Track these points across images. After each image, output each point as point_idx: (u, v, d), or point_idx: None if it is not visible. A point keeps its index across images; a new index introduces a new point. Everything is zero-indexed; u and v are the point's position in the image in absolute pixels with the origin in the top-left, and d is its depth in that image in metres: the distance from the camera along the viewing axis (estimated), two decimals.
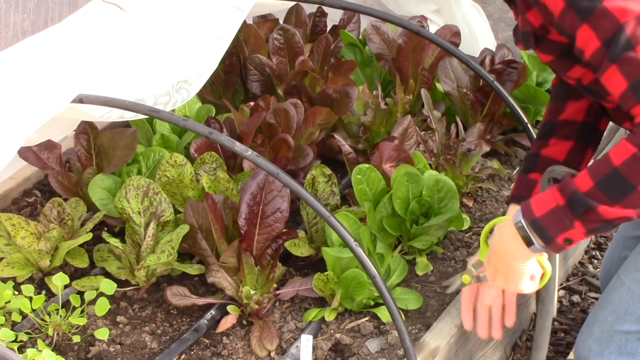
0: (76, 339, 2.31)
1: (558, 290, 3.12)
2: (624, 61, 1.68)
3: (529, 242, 1.90)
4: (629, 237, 2.47)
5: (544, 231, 1.86)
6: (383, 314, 2.39)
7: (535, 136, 2.55)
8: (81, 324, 2.32)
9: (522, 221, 1.88)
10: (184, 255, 2.58)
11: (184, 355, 2.31)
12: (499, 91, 2.70)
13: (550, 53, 1.93)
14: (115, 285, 2.39)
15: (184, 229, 2.42)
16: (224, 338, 2.37)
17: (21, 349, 2.26)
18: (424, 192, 2.59)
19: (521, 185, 2.20)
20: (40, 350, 2.09)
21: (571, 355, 2.76)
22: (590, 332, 2.28)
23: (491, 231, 2.09)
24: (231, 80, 3.18)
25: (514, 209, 2.13)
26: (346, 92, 2.91)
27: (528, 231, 1.87)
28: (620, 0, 1.67)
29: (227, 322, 2.39)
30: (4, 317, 2.33)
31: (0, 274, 2.47)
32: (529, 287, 2.03)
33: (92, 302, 2.37)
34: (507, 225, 1.94)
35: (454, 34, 3.21)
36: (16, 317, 2.36)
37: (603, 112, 2.13)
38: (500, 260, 2.00)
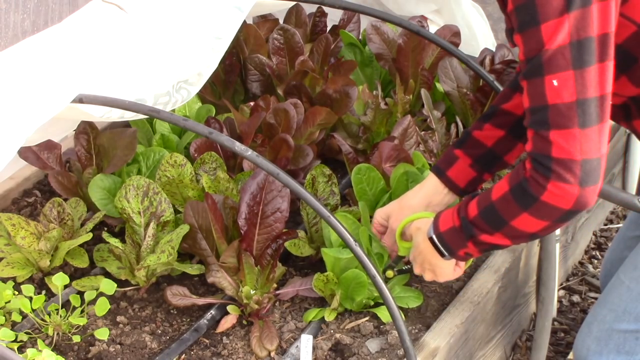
0: (76, 339, 2.31)
1: (558, 290, 3.13)
2: (532, 84, 1.74)
3: (440, 253, 2.06)
4: (629, 237, 2.47)
5: (446, 245, 2.03)
6: (383, 314, 2.40)
7: None
8: (81, 324, 2.32)
9: (432, 234, 2.05)
10: (184, 255, 2.58)
11: (184, 355, 2.31)
12: (498, 91, 2.69)
13: None
14: (115, 285, 2.39)
15: (184, 229, 2.42)
16: (224, 338, 2.37)
17: (21, 349, 2.26)
18: None
19: (444, 157, 2.27)
20: (40, 350, 2.09)
21: (571, 355, 2.76)
22: (589, 331, 2.28)
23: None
24: (231, 80, 3.18)
25: (432, 179, 2.26)
26: (346, 92, 2.91)
27: (437, 242, 2.05)
28: (554, 27, 1.69)
29: (227, 322, 2.39)
30: (4, 317, 2.33)
31: (0, 274, 2.47)
32: (457, 274, 2.18)
33: (92, 302, 2.37)
34: (422, 234, 2.10)
35: (454, 34, 3.21)
36: (16, 317, 2.36)
37: None
38: (425, 260, 2.13)
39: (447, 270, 2.14)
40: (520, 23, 1.74)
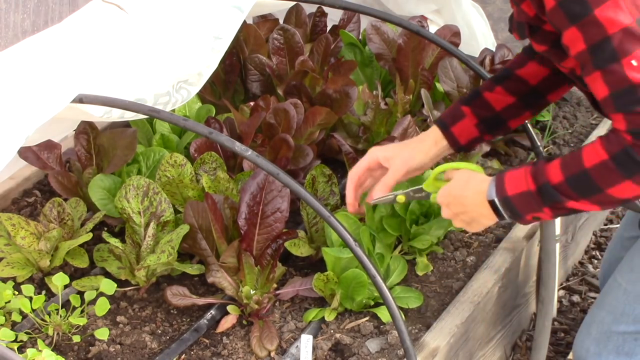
0: (76, 339, 2.31)
1: (558, 290, 3.13)
2: (607, 71, 1.72)
3: (499, 215, 1.98)
4: (626, 237, 2.48)
5: (514, 209, 1.94)
6: (383, 314, 2.40)
7: (534, 136, 2.55)
8: (81, 324, 2.32)
9: (495, 197, 1.96)
10: (184, 255, 2.58)
11: (184, 355, 2.31)
12: None
13: (544, 43, 1.96)
14: (115, 285, 2.39)
15: (184, 229, 2.42)
16: (224, 338, 2.37)
17: (21, 349, 2.26)
18: None
19: (450, 112, 2.26)
20: (40, 350, 2.09)
21: (571, 355, 2.76)
22: (588, 333, 2.28)
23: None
24: (231, 80, 3.18)
25: (435, 132, 2.24)
26: (346, 92, 2.91)
27: (499, 206, 1.96)
28: (610, 11, 1.69)
29: (227, 322, 2.39)
30: (4, 317, 2.33)
31: (0, 274, 2.47)
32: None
33: (92, 302, 2.37)
34: (475, 191, 2.01)
35: (454, 34, 3.21)
36: (16, 317, 2.36)
37: (594, 107, 2.14)
38: (466, 213, 2.06)
39: (485, 225, 2.07)
40: (570, 15, 1.73)
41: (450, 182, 2.09)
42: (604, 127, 3.40)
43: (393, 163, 2.22)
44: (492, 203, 1.97)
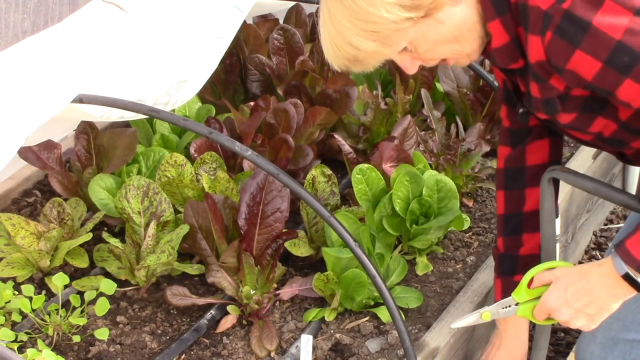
0: (76, 339, 2.31)
1: None
2: None
3: (638, 286, 1.84)
4: None
5: None
6: (383, 314, 2.39)
7: None
8: (81, 324, 2.32)
9: (628, 270, 1.82)
10: (184, 255, 2.57)
11: (184, 355, 2.31)
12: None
13: (574, 110, 1.88)
14: (115, 285, 2.39)
15: (184, 229, 2.42)
16: (224, 338, 2.37)
17: (21, 349, 2.26)
18: (424, 192, 2.59)
19: (506, 287, 2.17)
20: (40, 350, 2.09)
21: (571, 356, 2.75)
22: (593, 337, 2.26)
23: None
24: (231, 80, 3.18)
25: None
26: (346, 92, 2.91)
27: (635, 277, 1.82)
28: None
29: (227, 322, 2.39)
30: (4, 317, 2.33)
31: (0, 274, 2.47)
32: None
33: (92, 302, 2.37)
34: (598, 274, 1.87)
35: None
36: (16, 317, 2.36)
37: (621, 159, 2.11)
38: (593, 302, 1.90)
39: (613, 309, 1.91)
40: (622, 69, 1.67)
41: (559, 281, 1.93)
42: None
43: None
44: (626, 277, 1.82)
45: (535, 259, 2.13)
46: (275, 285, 2.44)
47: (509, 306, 2.02)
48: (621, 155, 2.06)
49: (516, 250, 2.18)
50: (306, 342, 2.22)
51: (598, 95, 1.80)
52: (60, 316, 2.33)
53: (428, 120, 2.94)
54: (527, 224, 2.17)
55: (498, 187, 2.23)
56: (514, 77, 1.95)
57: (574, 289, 1.89)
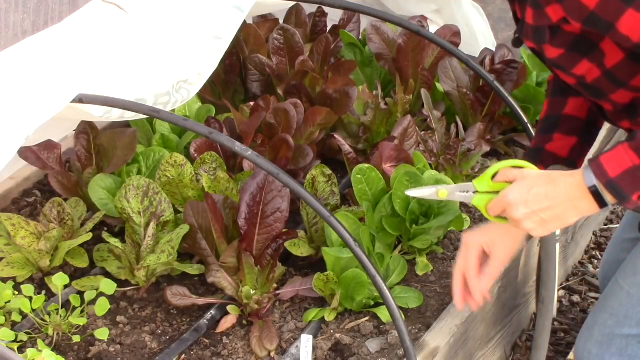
0: (76, 339, 2.31)
1: (558, 290, 3.13)
2: None
3: (602, 203, 1.85)
4: (625, 239, 2.47)
5: (620, 190, 1.81)
6: (383, 313, 2.40)
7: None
8: (81, 324, 2.32)
9: (595, 182, 1.83)
10: (184, 255, 2.58)
11: (184, 355, 2.31)
12: (499, 91, 2.70)
13: (562, 46, 1.90)
14: (115, 285, 2.39)
15: (184, 229, 2.42)
16: (224, 338, 2.37)
17: (21, 349, 2.26)
18: None
19: None
20: (40, 350, 2.09)
21: (571, 356, 2.76)
22: (590, 335, 2.27)
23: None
24: (231, 80, 3.18)
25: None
26: (346, 92, 2.91)
27: (602, 191, 1.83)
28: None
29: (227, 322, 2.39)
30: (4, 317, 2.33)
31: (0, 274, 2.47)
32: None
33: (92, 302, 2.37)
34: (567, 183, 1.88)
35: (454, 34, 3.21)
36: (16, 317, 2.36)
37: (604, 117, 2.12)
38: (551, 208, 1.89)
39: (570, 222, 1.92)
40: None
41: (524, 180, 1.92)
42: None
43: (495, 251, 2.09)
44: (593, 190, 1.83)
45: (556, 159, 2.13)
46: (275, 285, 2.44)
47: (468, 192, 2.00)
48: (603, 113, 2.06)
49: (543, 145, 2.16)
50: (306, 342, 2.22)
51: (589, 36, 1.80)
52: (60, 316, 2.33)
53: (428, 120, 2.94)
54: (562, 124, 2.16)
55: (546, 97, 2.25)
56: (514, 4, 1.98)
57: (537, 191, 1.89)
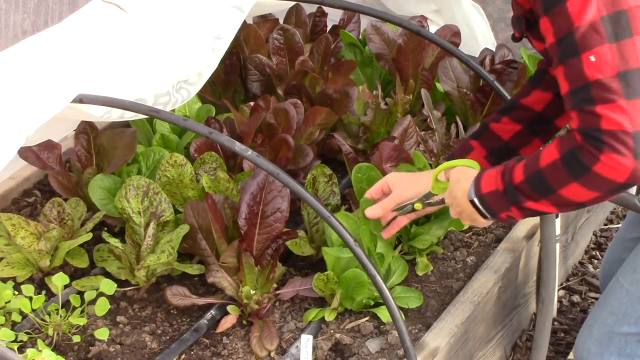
0: (76, 339, 2.31)
1: (558, 290, 3.13)
2: (568, 65, 1.70)
3: (481, 214, 1.97)
4: (628, 238, 2.47)
5: (489, 207, 1.94)
6: (383, 314, 2.40)
7: None
8: (81, 324, 2.32)
9: (474, 197, 1.96)
10: (184, 255, 2.58)
11: (184, 355, 2.31)
12: (499, 91, 2.70)
13: (541, 39, 1.91)
14: (115, 285, 2.39)
15: (184, 229, 2.42)
16: (224, 338, 2.37)
17: (21, 349, 2.26)
18: None
19: (460, 147, 2.29)
20: (40, 350, 2.09)
21: (571, 355, 2.76)
22: (589, 334, 2.28)
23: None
24: (231, 80, 3.18)
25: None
26: (346, 92, 2.91)
27: (478, 204, 1.96)
28: (579, 4, 1.67)
29: (227, 322, 2.39)
30: (4, 317, 2.33)
31: (0, 274, 2.47)
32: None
33: (92, 302, 2.37)
34: (464, 190, 2.01)
35: (454, 34, 3.21)
36: (16, 317, 2.36)
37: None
38: (464, 212, 2.04)
39: (483, 223, 2.05)
40: (545, 5, 1.72)
41: (450, 184, 2.08)
42: None
43: (395, 189, 2.25)
44: (472, 202, 1.97)
45: (497, 139, 2.24)
46: (275, 285, 2.44)
47: (434, 197, 2.21)
48: None
49: (490, 122, 2.26)
50: (306, 342, 2.22)
51: None
52: (60, 316, 2.33)
53: (428, 120, 2.94)
54: (515, 110, 2.24)
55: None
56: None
57: (452, 195, 2.06)
